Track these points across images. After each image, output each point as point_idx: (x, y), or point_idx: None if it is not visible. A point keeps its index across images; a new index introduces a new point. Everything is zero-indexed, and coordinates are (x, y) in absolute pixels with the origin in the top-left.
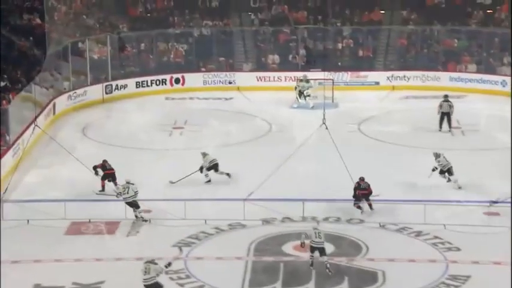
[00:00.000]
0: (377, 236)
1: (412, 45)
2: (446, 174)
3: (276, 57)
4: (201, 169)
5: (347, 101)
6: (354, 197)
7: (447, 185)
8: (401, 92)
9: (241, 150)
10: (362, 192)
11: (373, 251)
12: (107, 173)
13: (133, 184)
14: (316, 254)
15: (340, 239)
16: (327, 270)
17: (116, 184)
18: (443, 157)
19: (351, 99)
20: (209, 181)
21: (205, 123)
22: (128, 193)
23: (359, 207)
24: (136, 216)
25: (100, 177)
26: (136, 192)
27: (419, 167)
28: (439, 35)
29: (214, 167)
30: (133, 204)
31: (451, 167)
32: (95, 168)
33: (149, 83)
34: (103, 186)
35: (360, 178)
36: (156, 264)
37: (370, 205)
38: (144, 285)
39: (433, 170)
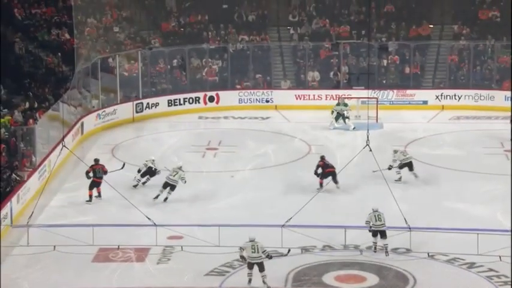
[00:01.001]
0: (425, 267)
1: (463, 61)
2: (407, 169)
3: (316, 74)
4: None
5: (392, 121)
6: (316, 174)
7: (501, 214)
8: (451, 112)
9: (278, 173)
10: (329, 169)
11: (421, 284)
12: (95, 181)
13: (183, 172)
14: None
15: (386, 269)
16: (386, 254)
17: (99, 194)
18: (400, 152)
19: (396, 119)
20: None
21: (241, 144)
22: (173, 176)
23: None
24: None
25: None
26: (183, 179)
27: (471, 193)
28: (493, 50)
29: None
30: (171, 187)
31: (411, 161)
32: (87, 173)
33: (182, 101)
34: (90, 196)
35: (321, 157)
36: None
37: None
38: None
39: (389, 168)
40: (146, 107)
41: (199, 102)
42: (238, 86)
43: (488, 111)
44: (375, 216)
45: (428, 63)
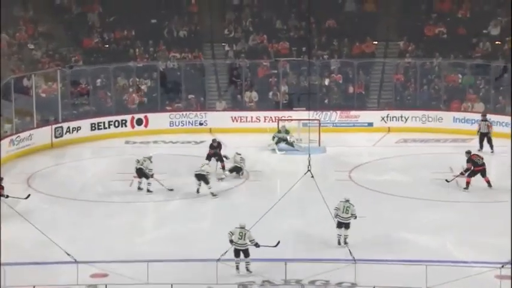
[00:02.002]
0: None
1: (409, 80)
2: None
3: (254, 95)
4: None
5: (336, 145)
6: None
7: (451, 244)
8: (398, 135)
9: (213, 202)
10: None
11: None
12: None
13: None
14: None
15: None
16: (345, 243)
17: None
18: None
19: (340, 142)
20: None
21: (173, 171)
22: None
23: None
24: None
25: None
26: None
27: (419, 222)
28: (441, 69)
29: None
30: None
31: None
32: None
33: (106, 125)
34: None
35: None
36: None
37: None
38: None
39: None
40: (66, 132)
41: (126, 126)
42: (169, 108)
43: (436, 133)
44: (344, 206)
45: (373, 82)
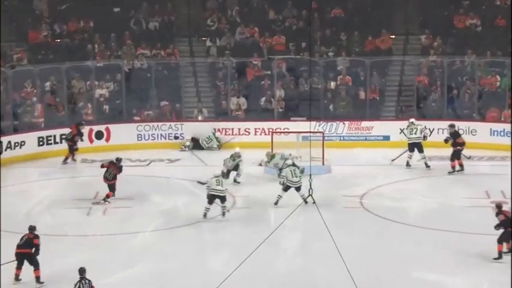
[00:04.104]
0: None
1: (435, 84)
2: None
3: (242, 101)
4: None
5: (344, 163)
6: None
7: (489, 285)
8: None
9: (193, 234)
10: None
11: None
12: None
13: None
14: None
15: None
16: (305, 202)
17: None
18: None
19: (349, 160)
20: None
21: (142, 196)
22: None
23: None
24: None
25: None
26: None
27: (448, 260)
28: (474, 69)
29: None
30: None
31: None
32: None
33: (57, 139)
34: None
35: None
36: None
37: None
38: None
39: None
40: (7, 147)
41: (82, 141)
42: (136, 118)
43: (469, 149)
44: (290, 171)
45: (390, 85)
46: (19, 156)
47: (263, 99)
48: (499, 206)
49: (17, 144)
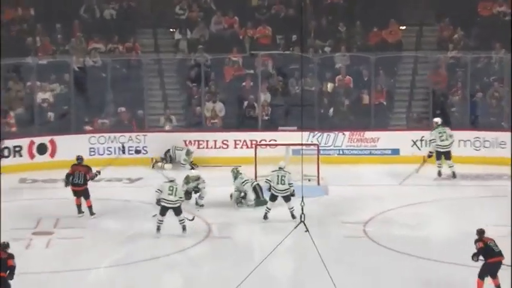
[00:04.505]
0: None
1: (455, 85)
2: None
3: (219, 107)
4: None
5: (343, 183)
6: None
7: None
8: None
9: (160, 270)
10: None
11: None
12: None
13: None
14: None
15: None
16: (292, 217)
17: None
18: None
19: (349, 179)
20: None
21: (94, 224)
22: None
23: None
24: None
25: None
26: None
27: None
28: (503, 67)
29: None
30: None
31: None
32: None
33: None
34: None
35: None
36: None
37: None
38: None
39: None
40: None
41: (21, 156)
42: (88, 128)
43: (496, 165)
44: (277, 176)
45: (400, 87)
46: None
47: (245, 104)
48: (480, 232)
49: None
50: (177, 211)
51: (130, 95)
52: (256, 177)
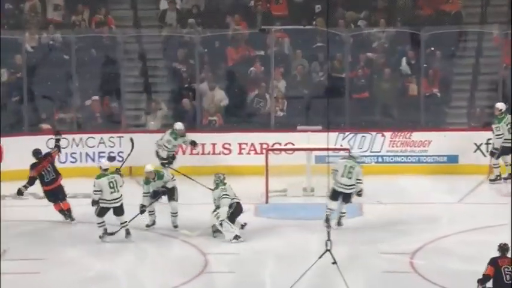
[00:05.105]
0: None
1: None
2: None
3: (220, 95)
4: None
5: (382, 201)
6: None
7: None
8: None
9: None
10: None
11: None
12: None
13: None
14: None
15: None
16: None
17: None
18: None
19: (391, 195)
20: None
21: (56, 254)
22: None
23: None
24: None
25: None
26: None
27: None
28: None
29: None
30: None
31: None
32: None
33: None
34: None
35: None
36: None
37: None
38: None
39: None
40: None
41: None
42: (45, 126)
43: None
44: (345, 167)
45: (460, 74)
46: None
47: (253, 95)
48: (503, 248)
49: None
50: (118, 211)
51: (101, 83)
52: (267, 192)
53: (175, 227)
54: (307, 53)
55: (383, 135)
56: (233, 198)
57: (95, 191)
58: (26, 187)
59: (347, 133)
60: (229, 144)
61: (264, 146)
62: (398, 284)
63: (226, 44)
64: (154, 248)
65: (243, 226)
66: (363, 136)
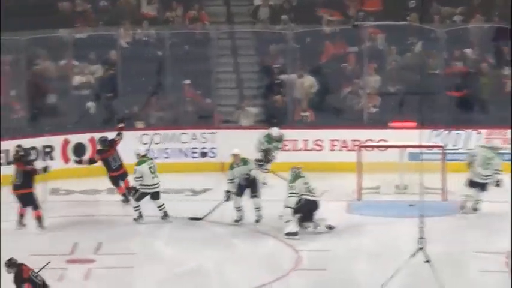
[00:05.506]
0: None
1: None
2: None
3: (309, 82)
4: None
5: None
6: None
7: None
8: None
9: None
10: None
11: None
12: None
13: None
14: None
15: None
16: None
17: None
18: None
19: (487, 193)
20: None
21: (146, 249)
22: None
23: None
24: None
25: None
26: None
27: None
28: None
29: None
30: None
31: None
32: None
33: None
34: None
35: None
36: None
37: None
38: None
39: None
40: None
41: (52, 159)
42: (139, 123)
43: None
44: (483, 157)
45: None
46: None
47: (345, 91)
48: None
49: None
50: (157, 195)
51: (194, 79)
52: (360, 189)
53: (257, 221)
54: (401, 49)
55: (479, 133)
56: (302, 195)
57: (136, 177)
58: (79, 162)
59: (441, 130)
60: (321, 140)
61: (357, 142)
62: (492, 283)
63: (318, 40)
64: (246, 244)
65: (330, 228)
66: (458, 133)
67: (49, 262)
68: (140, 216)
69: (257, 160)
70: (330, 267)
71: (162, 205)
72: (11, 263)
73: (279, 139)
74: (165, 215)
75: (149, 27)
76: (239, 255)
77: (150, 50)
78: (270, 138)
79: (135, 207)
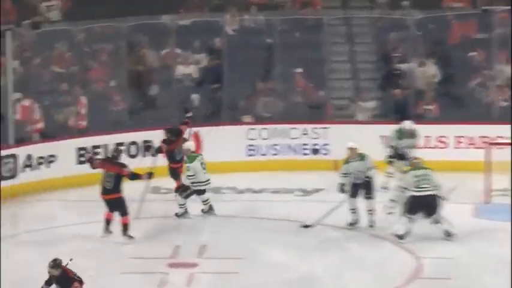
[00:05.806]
0: None
1: None
2: None
3: (432, 70)
4: None
5: None
6: None
7: None
8: None
9: None
10: None
11: None
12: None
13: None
14: None
15: None
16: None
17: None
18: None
19: None
20: None
21: (254, 252)
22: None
23: None
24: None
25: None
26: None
27: None
28: None
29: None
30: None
31: None
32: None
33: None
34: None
35: None
36: None
37: None
38: None
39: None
40: (26, 166)
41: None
42: (246, 117)
43: None
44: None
45: None
46: (43, 182)
47: (474, 82)
48: None
49: (41, 161)
50: (204, 191)
51: (306, 68)
52: (489, 191)
53: (371, 226)
54: None
55: None
56: (409, 190)
57: (188, 175)
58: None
59: None
60: (446, 137)
61: (485, 139)
62: None
63: (442, 26)
64: (362, 248)
65: (449, 235)
66: None
67: (71, 259)
68: (186, 212)
69: (389, 156)
70: (455, 276)
71: (207, 199)
72: (56, 264)
73: (413, 134)
74: (210, 209)
75: (257, 12)
76: (355, 261)
77: (258, 38)
78: (401, 133)
79: (180, 205)
